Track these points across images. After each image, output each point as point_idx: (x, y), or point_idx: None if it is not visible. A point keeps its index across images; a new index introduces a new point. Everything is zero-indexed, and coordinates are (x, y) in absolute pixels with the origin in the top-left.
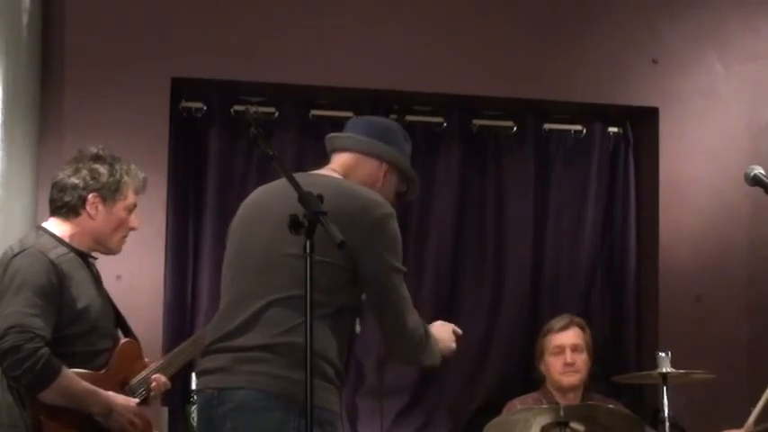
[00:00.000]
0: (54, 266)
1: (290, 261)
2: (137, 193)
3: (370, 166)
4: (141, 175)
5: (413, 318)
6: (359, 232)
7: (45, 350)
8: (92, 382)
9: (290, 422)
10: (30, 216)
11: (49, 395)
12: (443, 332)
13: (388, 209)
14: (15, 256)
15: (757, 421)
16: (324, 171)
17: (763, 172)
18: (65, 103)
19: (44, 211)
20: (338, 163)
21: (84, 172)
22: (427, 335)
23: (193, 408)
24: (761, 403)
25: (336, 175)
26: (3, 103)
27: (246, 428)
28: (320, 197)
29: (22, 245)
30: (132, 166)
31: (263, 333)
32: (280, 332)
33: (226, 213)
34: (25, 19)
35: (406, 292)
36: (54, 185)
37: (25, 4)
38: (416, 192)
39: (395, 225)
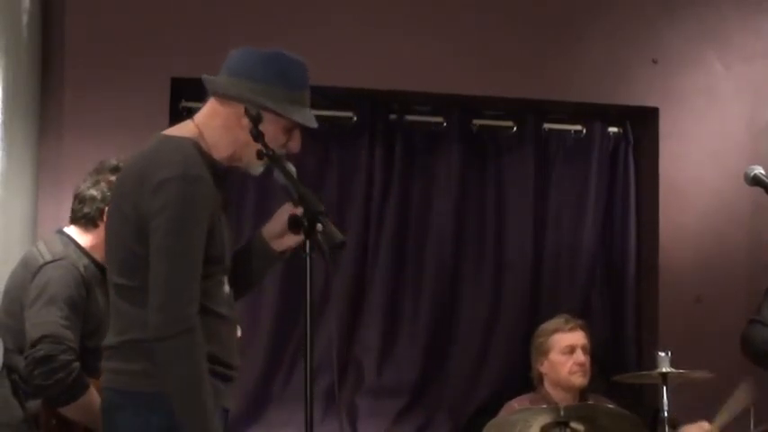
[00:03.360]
0: (83, 280)
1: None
2: None
3: (225, 114)
4: None
5: (173, 305)
6: (140, 196)
7: (77, 364)
8: None
9: (138, 416)
10: (30, 216)
11: (70, 409)
12: None
13: (175, 171)
14: (47, 264)
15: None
16: (179, 125)
17: (763, 172)
18: (65, 103)
19: (44, 212)
20: (199, 113)
21: (103, 184)
22: (189, 341)
23: None
24: (730, 403)
25: (184, 131)
26: (3, 102)
27: (106, 428)
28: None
29: (52, 253)
30: None
31: (112, 331)
32: (120, 328)
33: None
34: (25, 19)
35: (174, 269)
36: (75, 197)
37: (25, 4)
38: (298, 142)
39: (180, 189)
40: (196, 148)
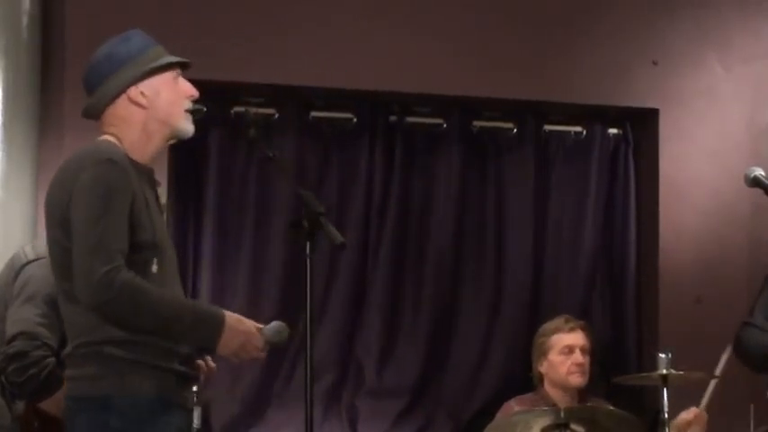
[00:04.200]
0: None
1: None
2: None
3: (120, 116)
4: (163, 200)
5: (96, 270)
6: (63, 193)
7: (51, 359)
8: None
9: (94, 420)
10: (29, 216)
11: (48, 404)
12: (236, 332)
13: (88, 161)
14: (29, 263)
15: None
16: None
17: (763, 173)
18: (65, 104)
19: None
20: (104, 127)
21: None
22: (128, 295)
23: (194, 408)
24: (710, 388)
25: (104, 137)
26: (3, 103)
27: None
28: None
29: (36, 252)
30: (159, 189)
31: (68, 339)
32: (72, 335)
33: (227, 216)
34: (25, 20)
35: (91, 238)
36: None
37: (25, 5)
38: (188, 84)
39: (92, 173)
40: (115, 147)
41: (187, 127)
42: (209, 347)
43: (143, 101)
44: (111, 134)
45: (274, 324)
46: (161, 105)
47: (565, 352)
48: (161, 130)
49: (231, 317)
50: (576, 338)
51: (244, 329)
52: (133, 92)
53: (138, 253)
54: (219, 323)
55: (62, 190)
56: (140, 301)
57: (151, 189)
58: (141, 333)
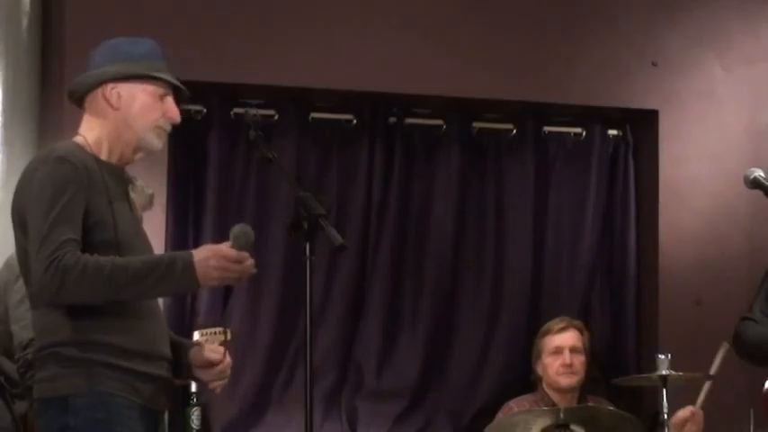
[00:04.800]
0: None
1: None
2: (143, 209)
3: (95, 110)
4: (148, 191)
5: (46, 263)
6: (21, 195)
7: None
8: None
9: (55, 421)
10: None
11: None
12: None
13: (41, 160)
14: None
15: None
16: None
17: (762, 174)
18: (64, 105)
19: None
20: (80, 127)
21: None
22: (75, 265)
23: (194, 410)
24: (705, 387)
25: (73, 139)
26: (3, 104)
27: None
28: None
29: None
30: (139, 183)
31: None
32: (37, 338)
33: (225, 215)
34: (25, 21)
35: (40, 227)
36: None
37: (25, 6)
38: (173, 107)
39: (44, 170)
40: (76, 146)
41: (154, 141)
42: (191, 286)
43: (115, 101)
44: (81, 135)
45: (235, 229)
46: (133, 111)
47: (553, 353)
48: (126, 135)
49: (197, 250)
50: (565, 339)
51: (212, 252)
52: (109, 88)
53: (97, 252)
54: (188, 259)
55: (19, 192)
56: (93, 277)
57: (120, 186)
58: (116, 303)
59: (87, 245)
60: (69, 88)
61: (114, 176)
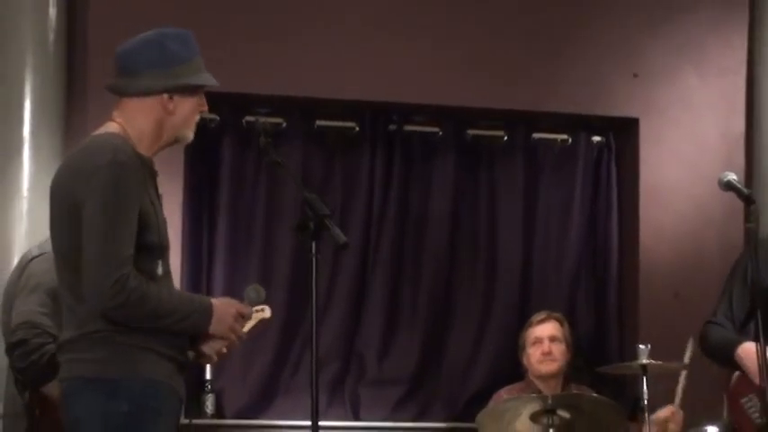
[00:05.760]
0: None
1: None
2: None
3: (142, 109)
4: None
5: (105, 277)
6: (74, 188)
7: (51, 346)
8: None
9: (97, 402)
10: None
11: (51, 388)
12: (225, 313)
13: (105, 159)
14: (33, 259)
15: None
16: (104, 125)
17: (735, 178)
18: (89, 115)
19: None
20: (117, 114)
21: None
22: (136, 290)
23: (208, 396)
24: (681, 384)
25: (112, 126)
26: (31, 114)
27: (69, 414)
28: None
29: (41, 248)
30: None
31: (69, 326)
32: (77, 323)
33: (238, 218)
34: (51, 36)
35: (104, 244)
36: None
37: (51, 23)
38: (204, 101)
39: (109, 174)
40: (123, 141)
41: (190, 135)
42: (200, 331)
43: (171, 108)
44: (119, 123)
45: (248, 289)
46: (182, 115)
47: (534, 343)
48: (171, 134)
49: (216, 300)
50: (543, 329)
51: (230, 307)
52: (167, 97)
53: (145, 255)
54: (208, 308)
55: (75, 182)
56: (145, 306)
57: (153, 181)
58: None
59: (137, 246)
60: (118, 86)
61: (149, 171)
